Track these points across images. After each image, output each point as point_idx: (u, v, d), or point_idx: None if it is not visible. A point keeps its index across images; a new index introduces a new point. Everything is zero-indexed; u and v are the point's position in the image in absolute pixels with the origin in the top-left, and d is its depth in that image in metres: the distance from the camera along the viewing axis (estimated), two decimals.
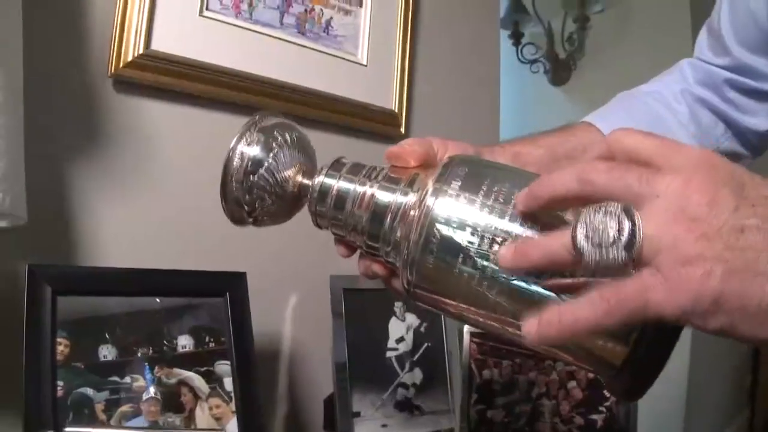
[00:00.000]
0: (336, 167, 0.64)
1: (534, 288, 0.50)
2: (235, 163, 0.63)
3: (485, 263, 0.51)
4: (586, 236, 0.43)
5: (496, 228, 0.52)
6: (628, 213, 0.43)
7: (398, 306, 1.38)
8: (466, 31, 1.80)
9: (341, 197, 0.62)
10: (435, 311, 0.58)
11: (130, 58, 1.16)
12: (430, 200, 0.54)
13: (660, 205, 0.43)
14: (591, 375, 1.30)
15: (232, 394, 1.06)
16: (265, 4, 1.34)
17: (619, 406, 1.31)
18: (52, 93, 1.10)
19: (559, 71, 3.15)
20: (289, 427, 1.40)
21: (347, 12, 1.48)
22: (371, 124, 1.50)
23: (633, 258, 0.42)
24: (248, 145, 0.64)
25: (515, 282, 0.50)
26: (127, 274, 1.05)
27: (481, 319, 0.54)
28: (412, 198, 0.58)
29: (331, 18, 1.45)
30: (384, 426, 1.31)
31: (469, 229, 0.52)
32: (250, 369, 1.10)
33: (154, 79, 1.20)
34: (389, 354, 1.36)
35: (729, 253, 0.40)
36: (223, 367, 1.07)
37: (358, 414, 1.28)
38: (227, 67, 1.28)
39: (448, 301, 0.55)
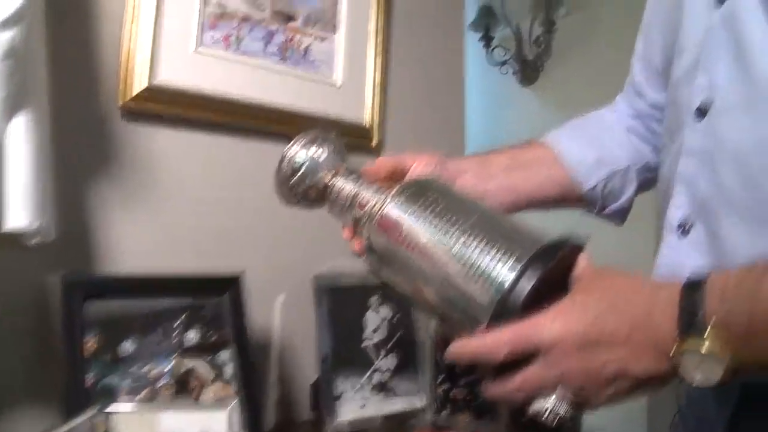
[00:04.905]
0: (344, 173, 0.87)
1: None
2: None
3: (411, 248, 0.74)
4: None
5: (419, 228, 0.74)
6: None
7: (373, 300, 1.57)
8: (433, 46, 1.98)
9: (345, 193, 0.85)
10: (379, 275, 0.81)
11: (135, 92, 1.34)
12: (386, 205, 0.77)
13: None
14: None
15: (233, 379, 1.25)
16: (251, 36, 1.52)
17: None
18: (70, 124, 1.27)
19: (528, 72, 3.27)
20: (280, 410, 1.56)
21: (323, 39, 1.66)
22: (346, 138, 1.66)
23: None
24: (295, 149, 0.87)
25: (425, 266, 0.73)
26: (144, 280, 1.24)
27: (408, 289, 0.77)
28: (380, 201, 0.80)
29: (310, 45, 1.63)
30: (363, 407, 1.50)
31: (403, 224, 0.75)
32: (248, 357, 1.29)
33: (157, 109, 1.38)
34: (366, 343, 1.55)
35: None
36: (224, 356, 1.26)
37: (340, 396, 1.47)
38: (219, 95, 1.46)
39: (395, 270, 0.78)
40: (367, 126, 1.73)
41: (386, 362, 1.56)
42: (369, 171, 0.88)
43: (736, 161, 0.75)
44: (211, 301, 1.28)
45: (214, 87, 1.45)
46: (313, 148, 0.87)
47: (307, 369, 1.58)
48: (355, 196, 0.83)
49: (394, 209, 0.76)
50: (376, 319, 1.57)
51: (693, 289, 0.61)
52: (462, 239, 0.71)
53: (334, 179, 0.86)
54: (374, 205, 0.79)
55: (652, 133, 1.06)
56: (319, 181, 0.86)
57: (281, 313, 1.56)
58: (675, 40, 0.89)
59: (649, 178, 1.07)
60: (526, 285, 0.65)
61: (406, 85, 1.88)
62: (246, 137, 1.52)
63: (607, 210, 1.06)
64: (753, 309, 0.58)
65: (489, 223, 0.73)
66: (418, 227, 0.74)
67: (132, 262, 1.33)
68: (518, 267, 0.66)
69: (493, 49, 3.28)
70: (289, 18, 1.59)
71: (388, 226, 0.76)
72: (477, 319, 0.68)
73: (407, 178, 0.88)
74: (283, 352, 1.58)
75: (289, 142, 0.88)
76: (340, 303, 1.51)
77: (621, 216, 1.08)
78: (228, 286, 1.31)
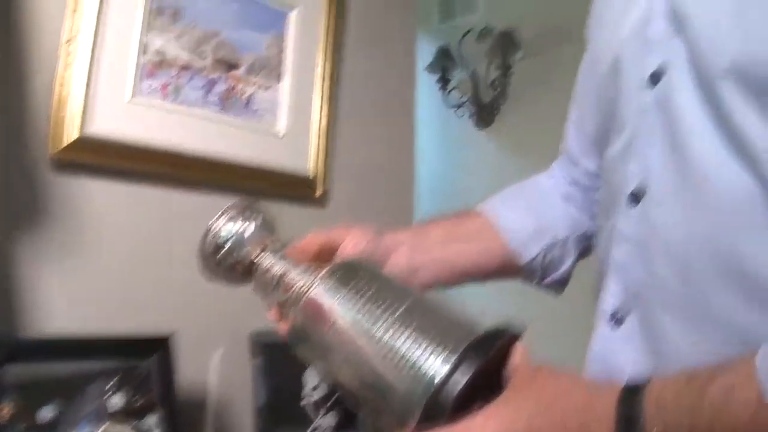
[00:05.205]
0: (272, 249, 0.83)
1: None
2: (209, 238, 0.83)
3: (339, 335, 0.70)
4: None
5: (348, 315, 0.71)
6: None
7: None
8: (384, 92, 1.96)
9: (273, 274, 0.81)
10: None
11: (66, 143, 1.30)
12: (313, 289, 0.74)
13: None
14: None
15: None
16: (191, 85, 1.48)
17: None
18: None
19: (484, 115, 3.28)
20: None
21: (267, 87, 1.63)
22: (287, 189, 1.66)
23: None
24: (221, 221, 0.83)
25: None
26: (66, 341, 1.19)
27: (335, 376, 0.74)
28: (307, 283, 0.76)
29: (253, 93, 1.60)
30: None
31: (331, 311, 0.72)
32: (175, 421, 1.24)
33: (89, 160, 1.34)
34: (306, 400, 1.50)
35: None
36: (151, 420, 1.21)
37: None
38: (155, 145, 1.42)
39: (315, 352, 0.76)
40: (311, 176, 1.70)
41: (326, 420, 1.51)
42: (297, 249, 0.84)
43: (670, 253, 0.72)
44: (139, 364, 1.23)
45: (150, 137, 1.41)
46: (240, 222, 0.83)
47: (244, 428, 1.53)
48: (282, 276, 0.80)
49: (321, 294, 0.73)
50: (315, 377, 1.52)
51: (632, 394, 0.58)
52: (392, 329, 0.67)
53: (260, 256, 0.83)
54: (301, 288, 0.76)
55: (589, 201, 1.03)
56: (245, 257, 0.83)
57: (218, 370, 1.52)
58: (610, 114, 0.85)
59: (587, 246, 1.05)
60: (461, 379, 0.61)
61: (354, 133, 1.84)
62: (183, 189, 1.47)
63: (547, 280, 1.03)
64: (694, 422, 0.55)
65: (421, 311, 0.70)
66: (347, 315, 0.71)
67: (60, 321, 1.27)
68: (452, 359, 0.62)
69: (449, 92, 3.30)
70: (232, 66, 1.56)
71: (315, 312, 0.73)
72: (407, 414, 0.63)
73: (337, 256, 0.85)
74: (219, 410, 1.53)
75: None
76: (278, 360, 1.47)
77: (561, 286, 1.05)
78: (156, 348, 1.26)
